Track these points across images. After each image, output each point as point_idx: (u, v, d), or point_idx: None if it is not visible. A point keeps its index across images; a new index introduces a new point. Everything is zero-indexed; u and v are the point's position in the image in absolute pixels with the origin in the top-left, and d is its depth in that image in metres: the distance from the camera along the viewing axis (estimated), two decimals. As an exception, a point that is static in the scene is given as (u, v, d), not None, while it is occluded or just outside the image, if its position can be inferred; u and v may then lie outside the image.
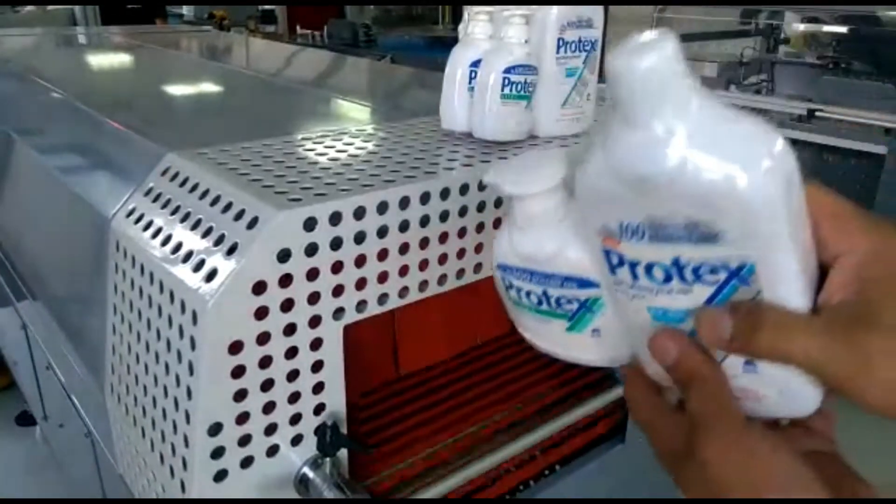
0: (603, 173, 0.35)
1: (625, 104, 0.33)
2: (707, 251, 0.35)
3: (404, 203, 0.63)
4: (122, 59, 1.86)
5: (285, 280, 0.57)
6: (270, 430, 0.62)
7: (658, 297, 0.38)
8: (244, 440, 0.60)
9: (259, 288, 0.56)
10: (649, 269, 0.37)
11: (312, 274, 0.59)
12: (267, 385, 0.60)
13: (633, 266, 0.38)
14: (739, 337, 0.34)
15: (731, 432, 0.36)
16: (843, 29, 2.85)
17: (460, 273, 0.70)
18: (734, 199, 0.32)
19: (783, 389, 0.37)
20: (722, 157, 0.31)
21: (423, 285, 0.67)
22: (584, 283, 0.41)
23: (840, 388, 0.33)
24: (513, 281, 0.44)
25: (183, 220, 0.64)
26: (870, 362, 0.31)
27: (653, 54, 0.31)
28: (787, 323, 0.33)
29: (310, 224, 0.57)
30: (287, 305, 0.58)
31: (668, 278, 0.37)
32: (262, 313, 0.57)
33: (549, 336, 0.45)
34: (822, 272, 0.36)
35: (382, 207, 0.62)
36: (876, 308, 0.32)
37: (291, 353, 0.60)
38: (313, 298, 0.59)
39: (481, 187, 0.69)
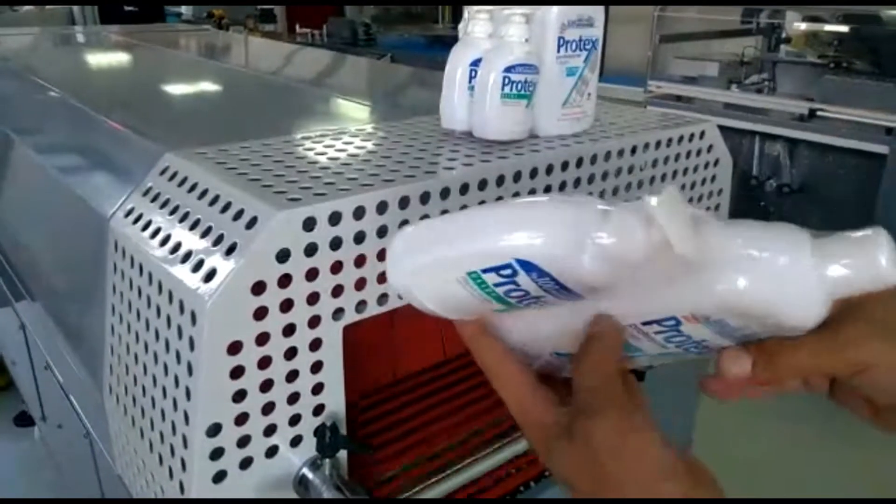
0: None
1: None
2: (724, 341, 0.40)
3: (404, 203, 0.63)
4: (120, 58, 1.85)
5: (284, 280, 0.57)
6: (270, 430, 0.61)
7: (645, 342, 0.42)
8: (243, 441, 0.60)
9: (258, 288, 0.56)
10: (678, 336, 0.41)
11: (312, 274, 0.58)
12: (266, 386, 0.59)
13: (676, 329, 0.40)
14: (759, 367, 0.39)
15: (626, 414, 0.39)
16: (844, 28, 2.84)
17: (460, 273, 0.69)
18: (801, 329, 0.37)
19: None
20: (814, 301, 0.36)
21: (423, 285, 0.67)
22: (576, 297, 0.41)
23: (844, 375, 0.39)
24: (522, 283, 0.40)
25: (182, 219, 0.64)
26: (855, 350, 0.38)
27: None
28: (790, 342, 0.38)
29: (309, 224, 0.57)
30: (286, 306, 0.58)
31: (671, 339, 0.41)
32: (261, 314, 0.57)
33: (464, 307, 0.44)
34: None
35: (382, 207, 0.61)
36: (859, 304, 0.37)
37: (291, 353, 0.60)
38: (312, 299, 0.59)
39: (481, 187, 0.69)
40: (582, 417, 0.40)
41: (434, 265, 0.43)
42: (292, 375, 0.61)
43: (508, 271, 0.40)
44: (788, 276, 0.35)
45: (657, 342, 0.42)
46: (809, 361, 0.38)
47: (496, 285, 0.41)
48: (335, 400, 0.65)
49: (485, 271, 0.41)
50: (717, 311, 0.37)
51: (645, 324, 0.40)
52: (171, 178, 0.70)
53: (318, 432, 0.63)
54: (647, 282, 0.38)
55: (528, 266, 0.39)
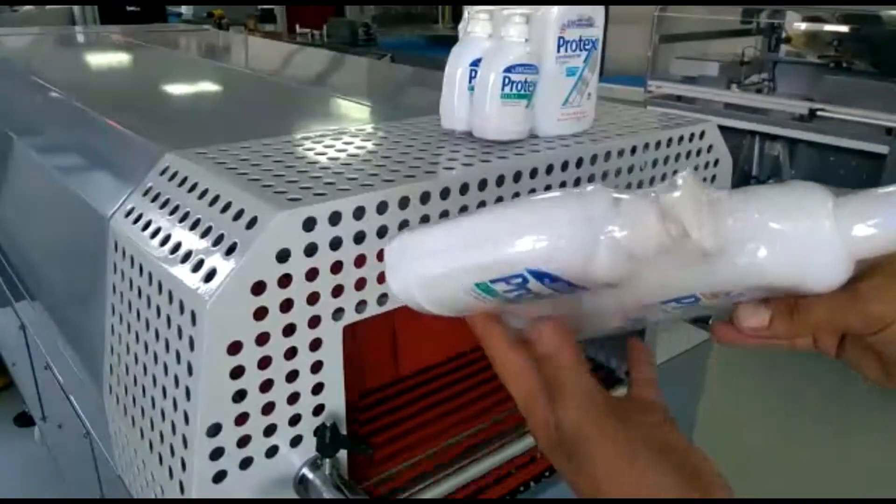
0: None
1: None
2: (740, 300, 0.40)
3: (404, 203, 0.63)
4: (120, 58, 1.85)
5: (284, 280, 0.57)
6: (270, 430, 0.61)
7: (660, 315, 0.43)
8: (243, 441, 0.60)
9: (258, 288, 0.56)
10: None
11: (312, 274, 0.58)
12: (266, 386, 0.59)
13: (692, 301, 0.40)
14: (778, 321, 0.39)
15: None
16: (844, 28, 2.84)
17: (460, 273, 0.69)
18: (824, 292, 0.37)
19: None
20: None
21: (423, 285, 0.67)
22: (588, 291, 0.41)
23: (863, 331, 0.38)
24: (533, 289, 0.39)
25: (182, 219, 0.64)
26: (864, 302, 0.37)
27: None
28: (810, 298, 0.38)
29: (309, 224, 0.57)
30: (286, 306, 0.58)
31: (688, 312, 0.42)
32: (261, 314, 0.57)
33: (469, 309, 0.43)
34: None
35: (382, 207, 0.61)
36: (882, 260, 0.37)
37: (291, 353, 0.60)
38: (312, 299, 0.59)
39: (481, 187, 0.69)
40: (571, 442, 0.40)
41: (440, 277, 0.42)
42: (292, 375, 0.61)
43: (519, 280, 0.39)
44: (811, 242, 0.34)
45: (674, 315, 0.42)
46: (829, 316, 0.38)
47: (506, 292, 0.40)
48: (335, 400, 0.65)
49: (494, 282, 0.40)
50: (738, 286, 0.37)
51: (663, 303, 0.40)
52: (172, 178, 0.70)
53: (318, 432, 0.63)
54: (667, 267, 0.37)
55: (539, 274, 0.38)
